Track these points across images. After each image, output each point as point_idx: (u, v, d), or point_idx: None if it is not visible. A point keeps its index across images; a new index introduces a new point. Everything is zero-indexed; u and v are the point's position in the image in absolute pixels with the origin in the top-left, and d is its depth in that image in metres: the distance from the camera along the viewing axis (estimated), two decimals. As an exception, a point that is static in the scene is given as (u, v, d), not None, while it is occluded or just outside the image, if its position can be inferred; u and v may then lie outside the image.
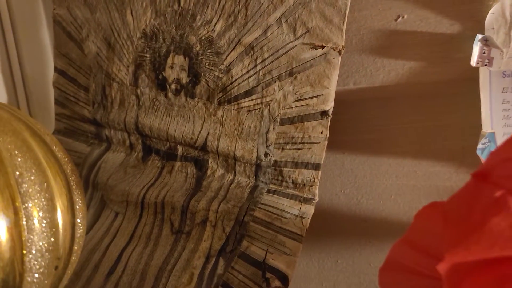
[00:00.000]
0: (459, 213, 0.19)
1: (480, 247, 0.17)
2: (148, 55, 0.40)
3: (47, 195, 0.25)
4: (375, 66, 0.38)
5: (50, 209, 0.25)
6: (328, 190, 0.43)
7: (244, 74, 0.37)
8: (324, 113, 0.35)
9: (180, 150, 0.41)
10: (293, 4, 0.34)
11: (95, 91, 0.43)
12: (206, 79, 0.38)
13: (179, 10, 0.38)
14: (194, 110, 0.39)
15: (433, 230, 0.22)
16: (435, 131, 0.39)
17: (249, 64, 0.36)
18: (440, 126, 0.38)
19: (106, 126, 0.43)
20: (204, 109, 0.39)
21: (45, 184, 0.25)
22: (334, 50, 0.34)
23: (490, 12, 0.33)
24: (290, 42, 0.35)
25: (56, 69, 0.46)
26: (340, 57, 0.34)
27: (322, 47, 0.34)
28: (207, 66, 0.38)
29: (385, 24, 0.37)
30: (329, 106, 0.35)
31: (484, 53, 0.34)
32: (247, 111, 0.37)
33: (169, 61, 0.39)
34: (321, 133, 0.35)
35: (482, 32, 0.34)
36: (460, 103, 0.37)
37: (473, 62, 0.34)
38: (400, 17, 0.37)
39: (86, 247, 0.40)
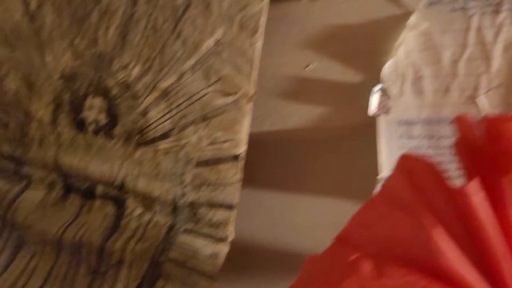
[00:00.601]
0: (321, 273, 0.20)
1: (334, 307, 0.19)
2: (67, 96, 0.40)
3: None
4: (288, 110, 0.40)
5: None
6: (247, 227, 0.45)
7: (160, 118, 0.38)
8: (236, 157, 0.37)
9: (99, 189, 0.41)
10: (206, 53, 0.36)
11: (15, 129, 0.43)
12: (124, 121, 0.39)
13: (97, 53, 0.39)
14: (113, 151, 0.40)
15: (311, 284, 0.24)
16: (344, 172, 0.41)
17: (164, 108, 0.37)
18: (348, 168, 0.41)
19: (25, 164, 0.43)
20: (122, 150, 0.39)
21: None
22: (244, 97, 0.36)
23: (386, 66, 0.36)
24: (203, 89, 0.36)
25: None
26: (250, 104, 0.36)
27: (233, 94, 0.36)
28: (125, 109, 0.39)
29: (297, 71, 0.39)
30: (241, 149, 0.37)
31: (381, 102, 0.37)
32: (164, 153, 0.38)
33: (88, 102, 0.39)
34: (234, 175, 0.37)
35: (380, 83, 0.37)
36: (364, 147, 0.39)
37: (371, 111, 0.36)
38: (310, 65, 0.39)
39: (-1, 289, 0.40)
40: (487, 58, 0.34)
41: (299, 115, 0.40)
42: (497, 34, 0.33)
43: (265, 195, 0.44)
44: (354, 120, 0.38)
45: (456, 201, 0.17)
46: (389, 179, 0.20)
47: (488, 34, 0.34)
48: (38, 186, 0.43)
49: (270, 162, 0.43)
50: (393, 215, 0.19)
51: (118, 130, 0.39)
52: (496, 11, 0.33)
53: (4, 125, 0.44)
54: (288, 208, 0.44)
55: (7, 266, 0.41)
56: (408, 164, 0.19)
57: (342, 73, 0.38)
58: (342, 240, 0.20)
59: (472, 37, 0.34)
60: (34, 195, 0.43)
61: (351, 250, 0.20)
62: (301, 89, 0.40)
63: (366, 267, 0.19)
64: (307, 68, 0.39)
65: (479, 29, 0.34)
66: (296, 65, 0.39)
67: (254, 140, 0.40)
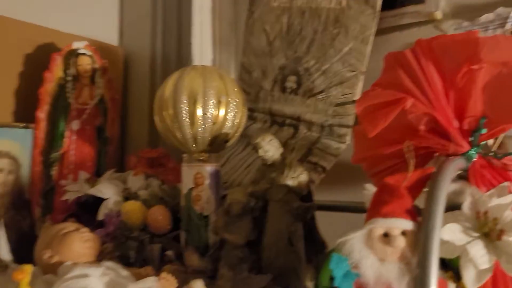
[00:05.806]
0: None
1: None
2: (280, 76, 0.87)
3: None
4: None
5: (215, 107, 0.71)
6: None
7: (320, 84, 0.81)
8: (354, 101, 0.77)
9: (287, 121, 0.85)
10: (344, 53, 0.79)
11: (252, 95, 0.91)
12: (304, 86, 0.83)
13: (296, 56, 0.85)
14: (296, 101, 0.84)
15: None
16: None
17: (322, 79, 0.80)
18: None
19: (255, 111, 0.90)
20: (301, 100, 0.83)
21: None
22: (360, 73, 0.77)
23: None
24: (341, 69, 0.79)
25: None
26: (362, 76, 0.77)
27: (355, 71, 0.77)
28: (305, 80, 0.83)
29: (390, 66, 0.79)
30: (357, 98, 0.77)
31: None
32: (320, 100, 0.81)
33: (288, 78, 0.85)
34: (353, 110, 0.77)
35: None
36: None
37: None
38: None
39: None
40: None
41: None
42: None
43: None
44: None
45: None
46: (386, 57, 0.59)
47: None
48: (259, 122, 0.89)
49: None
50: (392, 71, 0.57)
51: (300, 90, 0.83)
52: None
53: (248, 93, 0.92)
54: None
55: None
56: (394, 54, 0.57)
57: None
58: (376, 84, 0.59)
59: None
60: (256, 126, 0.89)
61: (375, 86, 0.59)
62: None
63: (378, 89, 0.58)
64: (395, 64, 0.78)
65: None
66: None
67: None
